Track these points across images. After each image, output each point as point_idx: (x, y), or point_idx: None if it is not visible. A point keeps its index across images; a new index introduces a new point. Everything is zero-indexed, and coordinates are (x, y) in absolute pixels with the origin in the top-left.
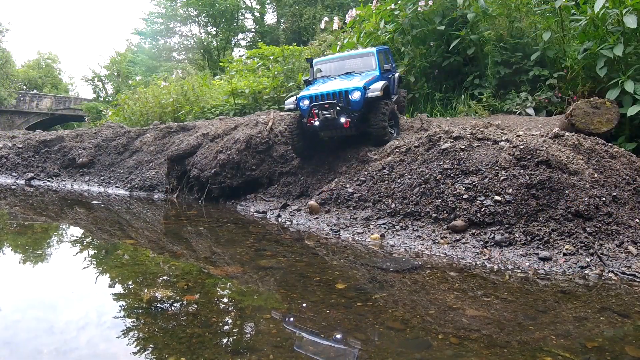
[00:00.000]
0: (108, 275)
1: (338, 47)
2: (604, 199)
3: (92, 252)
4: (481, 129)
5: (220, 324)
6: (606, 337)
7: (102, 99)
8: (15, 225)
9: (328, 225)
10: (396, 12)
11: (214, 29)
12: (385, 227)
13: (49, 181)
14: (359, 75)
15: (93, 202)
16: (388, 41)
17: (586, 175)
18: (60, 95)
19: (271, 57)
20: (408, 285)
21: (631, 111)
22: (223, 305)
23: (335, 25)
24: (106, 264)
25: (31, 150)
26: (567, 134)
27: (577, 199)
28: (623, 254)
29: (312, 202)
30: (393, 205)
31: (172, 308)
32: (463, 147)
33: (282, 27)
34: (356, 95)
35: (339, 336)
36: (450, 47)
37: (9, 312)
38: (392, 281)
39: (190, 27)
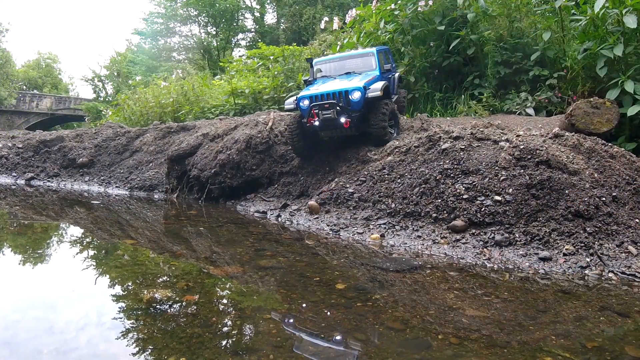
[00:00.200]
0: (108, 275)
1: (338, 47)
2: (604, 199)
3: (92, 252)
4: (481, 129)
5: (220, 324)
6: (606, 337)
7: (102, 99)
8: (15, 225)
9: (328, 225)
10: (396, 12)
11: (214, 29)
12: (385, 227)
13: (49, 181)
14: (359, 75)
15: (93, 202)
16: (388, 41)
17: (586, 175)
18: (60, 95)
19: (271, 57)
20: (408, 285)
21: (631, 111)
22: (223, 305)
23: (335, 25)
24: (106, 264)
25: (31, 150)
26: (567, 134)
27: (577, 199)
28: (623, 254)
29: (312, 202)
30: (393, 205)
31: (172, 308)
32: (463, 147)
33: (282, 27)
34: (356, 95)
35: (339, 336)
36: (450, 47)
37: (9, 312)
38: (392, 281)
39: (190, 27)
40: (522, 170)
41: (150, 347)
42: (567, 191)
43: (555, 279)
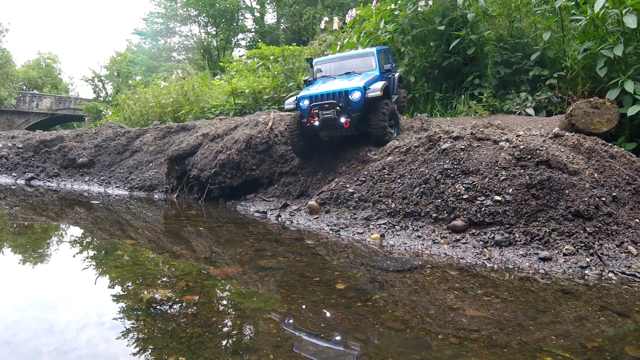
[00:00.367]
0: (108, 275)
1: (338, 47)
2: (604, 199)
3: (92, 252)
4: (481, 129)
5: (220, 325)
6: (606, 337)
7: (102, 99)
8: (15, 226)
9: (328, 225)
10: (396, 12)
11: (214, 29)
12: (385, 227)
13: (49, 181)
14: (359, 75)
15: (93, 202)
16: (388, 41)
17: (586, 175)
18: (60, 95)
19: (271, 57)
20: (408, 285)
21: (631, 111)
22: (223, 305)
23: (335, 25)
24: (106, 264)
25: (31, 150)
26: (567, 134)
27: (577, 199)
28: (623, 254)
29: (312, 202)
30: (393, 205)
31: (172, 308)
32: (463, 147)
33: (282, 27)
34: (356, 95)
35: (338, 336)
36: (450, 47)
37: (9, 312)
38: (392, 281)
39: (190, 27)
40: (522, 170)
41: (150, 347)
42: (567, 191)
43: (555, 279)
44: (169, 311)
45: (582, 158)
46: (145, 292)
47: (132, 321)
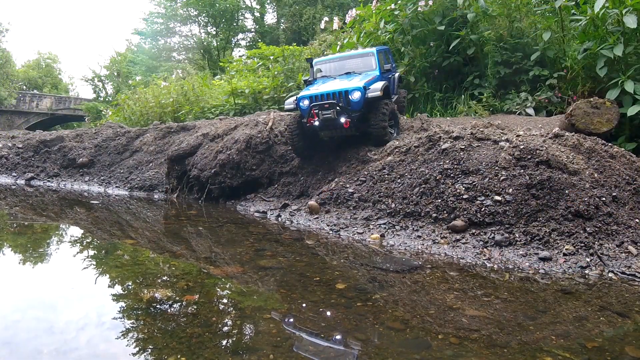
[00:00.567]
0: (108, 275)
1: (338, 47)
2: (604, 199)
3: (92, 252)
4: (481, 129)
5: (220, 324)
6: (606, 337)
7: (102, 99)
8: (15, 226)
9: (328, 225)
10: (396, 12)
11: (214, 29)
12: (385, 227)
13: (49, 181)
14: (359, 75)
15: (93, 202)
16: (388, 41)
17: (586, 175)
18: (60, 95)
19: (271, 57)
20: (408, 285)
21: (631, 111)
22: (223, 305)
23: (335, 25)
24: (106, 264)
25: (31, 150)
26: (567, 134)
27: (577, 199)
28: (623, 254)
29: (312, 202)
30: (393, 205)
31: (172, 308)
32: (463, 147)
33: (282, 27)
34: (356, 95)
35: (339, 336)
36: (450, 47)
37: (9, 312)
38: (392, 281)
39: (190, 27)
40: (522, 170)
41: (150, 346)
42: (567, 191)
43: (555, 279)
44: (168, 311)
45: (582, 158)
46: (145, 292)
47: (132, 321)
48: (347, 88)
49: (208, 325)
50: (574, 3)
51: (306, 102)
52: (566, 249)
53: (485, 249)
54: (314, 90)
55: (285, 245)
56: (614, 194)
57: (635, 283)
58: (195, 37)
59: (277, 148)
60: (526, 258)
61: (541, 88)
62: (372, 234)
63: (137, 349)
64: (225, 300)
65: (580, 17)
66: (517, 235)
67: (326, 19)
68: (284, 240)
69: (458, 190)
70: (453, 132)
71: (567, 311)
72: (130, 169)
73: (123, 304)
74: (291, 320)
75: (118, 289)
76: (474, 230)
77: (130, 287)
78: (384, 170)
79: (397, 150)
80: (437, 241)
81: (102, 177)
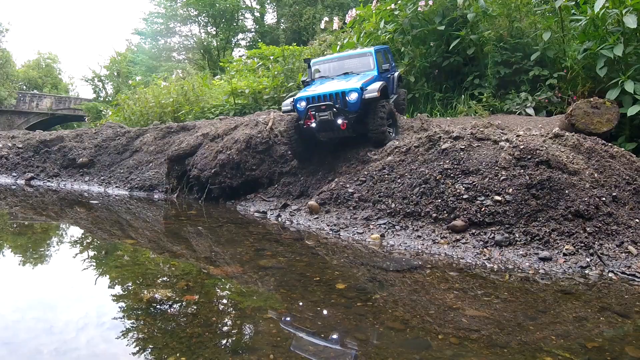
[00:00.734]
0: (108, 275)
1: (338, 47)
2: (604, 199)
3: (92, 252)
4: (481, 129)
5: (220, 324)
6: (606, 337)
7: (102, 99)
8: (15, 226)
9: (328, 225)
10: (396, 12)
11: (214, 29)
12: (385, 227)
13: (49, 181)
14: (357, 75)
15: (93, 202)
16: (388, 41)
17: (586, 175)
18: (60, 95)
19: (271, 57)
20: (408, 285)
21: (631, 111)
22: (223, 305)
23: (335, 25)
24: (106, 264)
25: (31, 150)
26: (567, 134)
27: (577, 199)
28: (623, 254)
29: (312, 202)
30: (393, 205)
31: (172, 308)
32: (463, 147)
33: (282, 27)
34: (353, 97)
35: (338, 336)
36: (450, 47)
37: (9, 312)
38: (392, 281)
39: (190, 27)
40: (522, 170)
41: (150, 346)
42: (567, 191)
43: (555, 279)
44: (168, 311)
45: (582, 158)
46: (145, 292)
47: (132, 321)
48: (344, 89)
49: (208, 325)
50: (574, 3)
51: (303, 103)
52: (566, 249)
53: (485, 249)
54: (311, 91)
55: (285, 245)
56: (614, 194)
57: (635, 283)
58: (195, 37)
59: (277, 148)
60: (526, 258)
61: (541, 88)
62: (372, 234)
63: (137, 348)
64: (225, 300)
65: (580, 17)
66: (517, 235)
67: (326, 19)
68: (284, 240)
69: (458, 190)
70: (453, 132)
71: (567, 311)
72: (130, 169)
73: (123, 304)
74: (291, 320)
75: (118, 289)
76: (474, 230)
77: (130, 287)
78: (384, 170)
79: (397, 150)
80: (437, 241)
81: (102, 177)
